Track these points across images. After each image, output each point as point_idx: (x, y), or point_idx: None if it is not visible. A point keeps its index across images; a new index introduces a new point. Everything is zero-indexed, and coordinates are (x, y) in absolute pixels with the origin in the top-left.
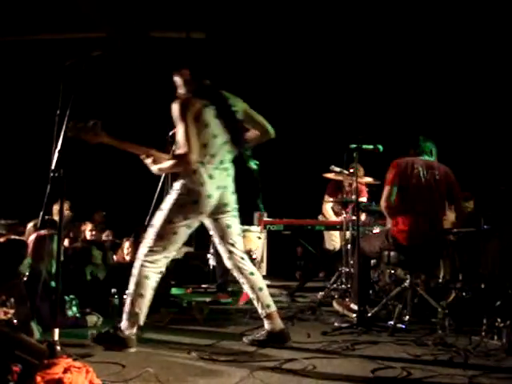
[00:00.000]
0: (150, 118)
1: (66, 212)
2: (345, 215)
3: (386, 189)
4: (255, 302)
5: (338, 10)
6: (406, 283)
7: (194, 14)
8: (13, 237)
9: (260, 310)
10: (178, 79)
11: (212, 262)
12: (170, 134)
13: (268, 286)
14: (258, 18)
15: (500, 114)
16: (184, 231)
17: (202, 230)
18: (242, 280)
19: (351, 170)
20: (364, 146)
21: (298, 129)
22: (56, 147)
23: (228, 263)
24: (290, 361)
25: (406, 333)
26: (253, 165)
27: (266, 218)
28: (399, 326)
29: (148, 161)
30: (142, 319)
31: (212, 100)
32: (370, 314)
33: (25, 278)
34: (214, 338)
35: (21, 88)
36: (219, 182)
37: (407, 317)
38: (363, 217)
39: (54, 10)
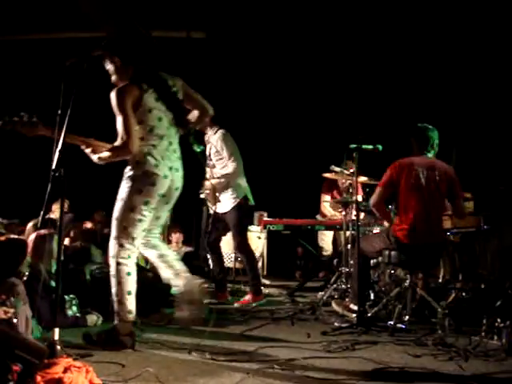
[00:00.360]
0: None
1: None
2: (344, 213)
3: (378, 190)
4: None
5: (338, 9)
6: (406, 283)
7: (195, 14)
8: (12, 236)
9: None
10: (110, 67)
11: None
12: None
13: (268, 286)
14: (258, 17)
15: (499, 115)
16: (149, 217)
17: (201, 230)
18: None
19: (351, 170)
20: (364, 146)
21: (297, 128)
22: (57, 147)
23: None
24: (290, 361)
25: (405, 333)
26: (196, 148)
27: (266, 218)
28: (399, 326)
29: (87, 150)
30: (134, 315)
31: (150, 83)
32: (369, 314)
33: (24, 278)
34: (215, 337)
35: (21, 87)
36: (171, 163)
37: (407, 317)
38: (361, 216)
39: (53, 9)
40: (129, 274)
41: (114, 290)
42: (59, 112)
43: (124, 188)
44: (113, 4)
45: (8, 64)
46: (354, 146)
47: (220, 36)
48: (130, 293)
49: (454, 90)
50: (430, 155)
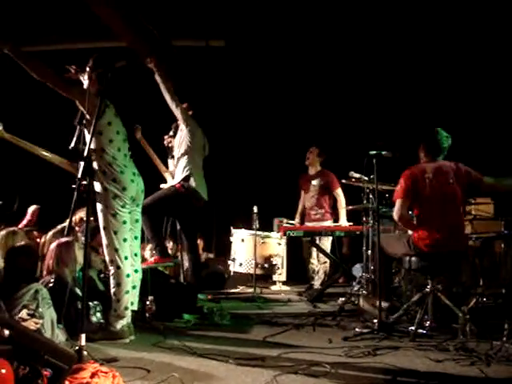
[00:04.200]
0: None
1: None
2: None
3: (398, 202)
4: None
5: (354, 20)
6: (427, 289)
7: (214, 22)
8: (23, 242)
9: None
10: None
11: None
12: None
13: (288, 292)
14: (274, 26)
15: None
16: (129, 218)
17: (221, 237)
18: None
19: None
20: (383, 153)
21: (314, 135)
22: (81, 156)
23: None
24: (312, 365)
25: (427, 338)
26: None
27: (285, 225)
28: (420, 331)
29: None
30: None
31: (111, 99)
32: (391, 320)
33: (50, 285)
34: (237, 342)
35: (39, 97)
36: (133, 170)
37: (428, 322)
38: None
39: (73, 19)
40: (128, 275)
41: (113, 290)
42: (76, 121)
43: (100, 199)
44: (132, 14)
45: (26, 73)
46: (374, 152)
47: (239, 44)
48: (127, 292)
49: (468, 94)
50: (439, 159)
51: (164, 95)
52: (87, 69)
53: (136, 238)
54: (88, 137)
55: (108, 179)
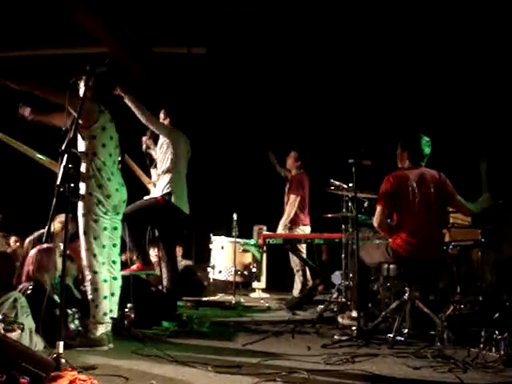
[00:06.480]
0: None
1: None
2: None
3: (378, 209)
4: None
5: (338, 25)
6: (405, 296)
7: (195, 29)
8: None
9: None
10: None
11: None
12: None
13: (267, 299)
14: (255, 33)
15: (501, 127)
16: (109, 225)
17: (200, 244)
18: None
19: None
20: (363, 161)
21: (296, 143)
22: (62, 162)
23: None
24: (291, 373)
25: (405, 345)
26: None
27: (265, 232)
28: (398, 338)
29: None
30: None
31: (107, 105)
32: (369, 327)
33: (28, 291)
34: (216, 350)
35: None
36: (119, 179)
37: (406, 329)
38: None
39: (54, 25)
40: (105, 280)
41: (90, 296)
42: (63, 128)
43: (84, 203)
44: (113, 20)
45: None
46: (353, 160)
47: (221, 51)
48: (105, 297)
49: (453, 102)
50: (422, 164)
51: (139, 117)
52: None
53: (115, 245)
54: (80, 140)
55: (95, 185)
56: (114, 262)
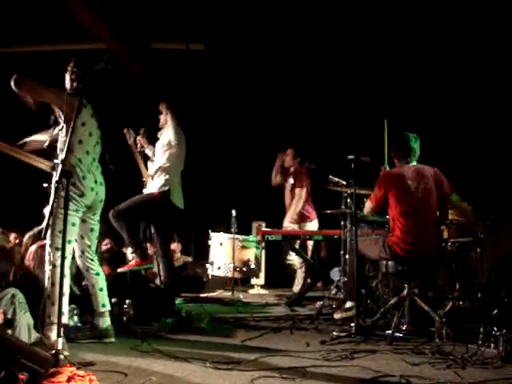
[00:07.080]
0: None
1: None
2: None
3: (370, 204)
4: (93, 299)
5: (335, 25)
6: (404, 293)
7: (194, 26)
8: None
9: (95, 307)
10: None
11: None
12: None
13: (266, 296)
14: (253, 31)
15: (498, 127)
16: (80, 224)
17: (199, 241)
18: (86, 278)
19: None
20: (362, 158)
21: (295, 139)
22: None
23: (78, 261)
24: (290, 369)
25: (403, 342)
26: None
27: (264, 228)
28: (397, 334)
29: None
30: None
31: (89, 100)
32: (368, 323)
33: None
34: (215, 346)
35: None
36: (97, 177)
37: (405, 326)
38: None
39: (53, 21)
40: (65, 275)
41: (47, 292)
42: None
43: (55, 198)
44: (112, 17)
45: (8, 75)
46: (352, 156)
47: (219, 48)
48: (64, 294)
49: (452, 102)
50: (414, 163)
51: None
52: (68, 69)
53: (90, 247)
54: (62, 137)
55: (70, 182)
56: (92, 260)
